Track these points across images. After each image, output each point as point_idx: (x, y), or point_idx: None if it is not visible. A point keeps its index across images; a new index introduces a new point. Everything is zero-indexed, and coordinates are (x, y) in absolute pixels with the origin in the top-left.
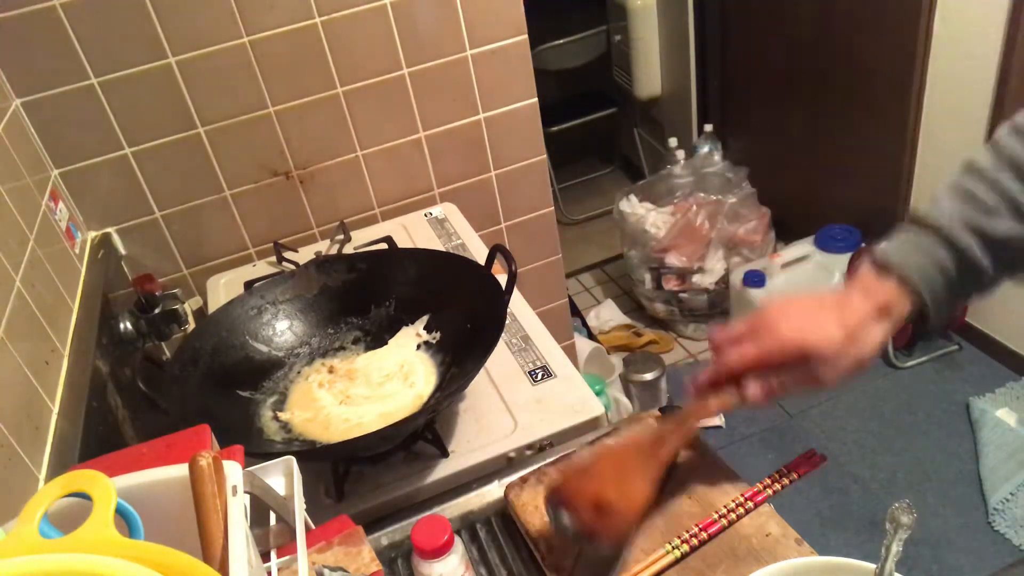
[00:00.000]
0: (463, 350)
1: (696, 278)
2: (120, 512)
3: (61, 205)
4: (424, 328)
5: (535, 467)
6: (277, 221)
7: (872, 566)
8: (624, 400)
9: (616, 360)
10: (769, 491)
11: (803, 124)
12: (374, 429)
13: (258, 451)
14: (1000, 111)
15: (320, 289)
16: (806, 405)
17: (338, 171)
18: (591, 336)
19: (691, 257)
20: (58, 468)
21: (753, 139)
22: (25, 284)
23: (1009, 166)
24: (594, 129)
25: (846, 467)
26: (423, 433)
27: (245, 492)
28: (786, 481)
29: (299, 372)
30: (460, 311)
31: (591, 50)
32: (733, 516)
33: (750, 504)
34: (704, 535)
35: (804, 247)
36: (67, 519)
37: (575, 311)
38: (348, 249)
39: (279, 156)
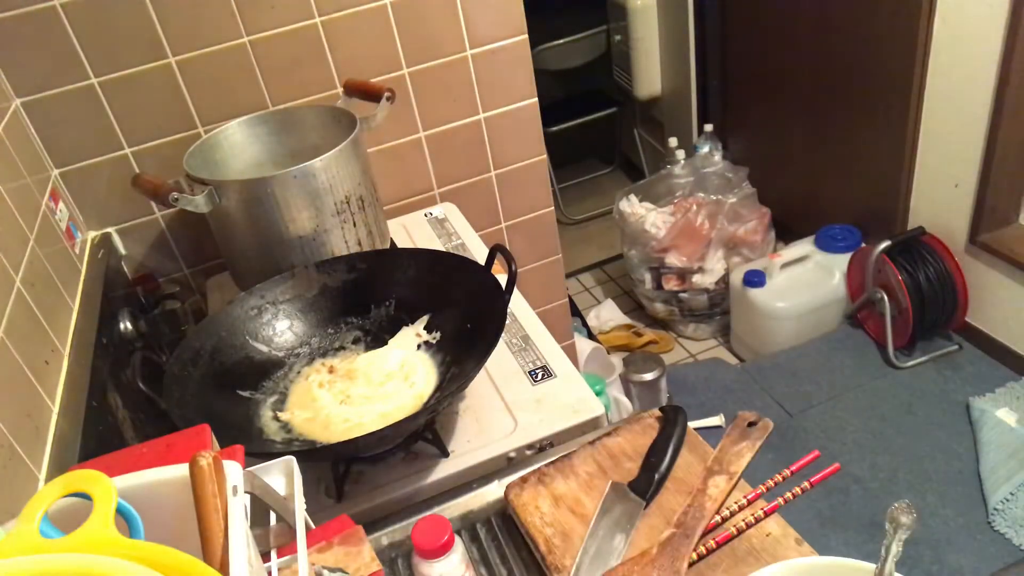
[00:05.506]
0: (463, 350)
1: (696, 278)
2: (120, 512)
3: (61, 205)
4: (424, 328)
5: (535, 467)
6: None
7: (872, 566)
8: (624, 400)
9: (616, 360)
10: (780, 499)
11: (803, 124)
12: (374, 429)
13: (258, 451)
14: (1000, 111)
15: (320, 289)
16: (806, 405)
17: None
18: (591, 336)
19: (691, 257)
20: (58, 468)
21: (753, 139)
22: (25, 284)
23: None
24: (594, 129)
25: (846, 467)
26: (423, 433)
27: (245, 492)
28: (798, 490)
29: (299, 372)
30: (460, 311)
31: (591, 50)
32: (742, 524)
33: (760, 513)
34: (712, 543)
35: (804, 247)
36: (67, 519)
37: (575, 311)
38: None
39: None
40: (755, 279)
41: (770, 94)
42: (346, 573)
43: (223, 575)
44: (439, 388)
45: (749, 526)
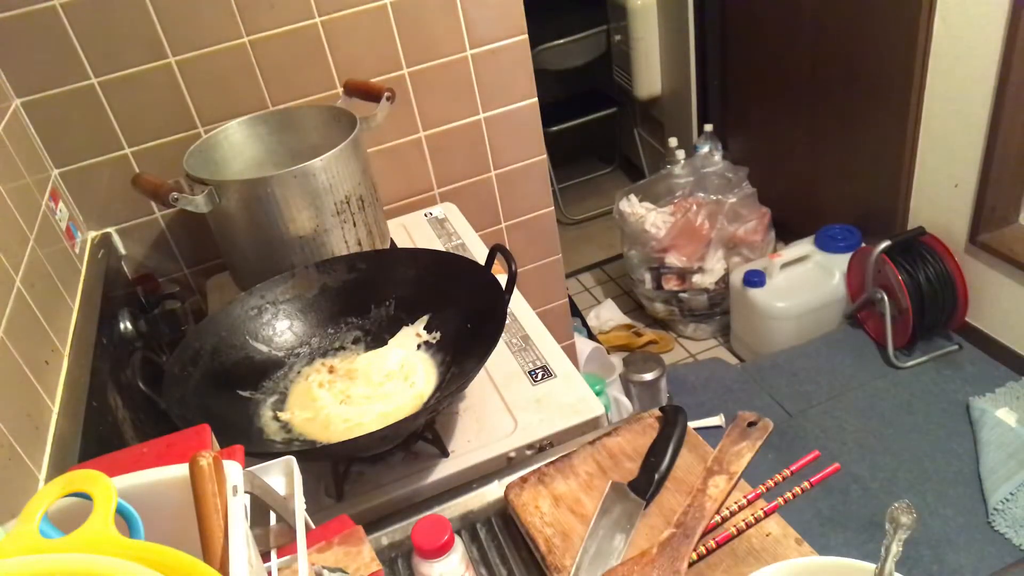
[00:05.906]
0: (463, 350)
1: (696, 278)
2: (120, 512)
3: (61, 205)
4: (424, 328)
5: (535, 467)
6: None
7: (872, 566)
8: (624, 400)
9: (616, 360)
10: (780, 499)
11: (803, 124)
12: (374, 429)
13: (258, 451)
14: (1000, 111)
15: (320, 289)
16: (806, 405)
17: None
18: (591, 336)
19: (691, 257)
20: (58, 468)
21: (753, 139)
22: (25, 284)
23: None
24: (594, 129)
25: (846, 467)
26: (423, 433)
27: (245, 492)
28: (798, 490)
29: (299, 372)
30: (460, 311)
31: (591, 50)
32: (742, 524)
33: (760, 513)
34: (712, 543)
35: (804, 247)
36: (67, 519)
37: (575, 311)
38: None
39: None
40: (755, 279)
41: (770, 94)
42: (346, 573)
43: (223, 575)
44: (439, 388)
45: (749, 526)
